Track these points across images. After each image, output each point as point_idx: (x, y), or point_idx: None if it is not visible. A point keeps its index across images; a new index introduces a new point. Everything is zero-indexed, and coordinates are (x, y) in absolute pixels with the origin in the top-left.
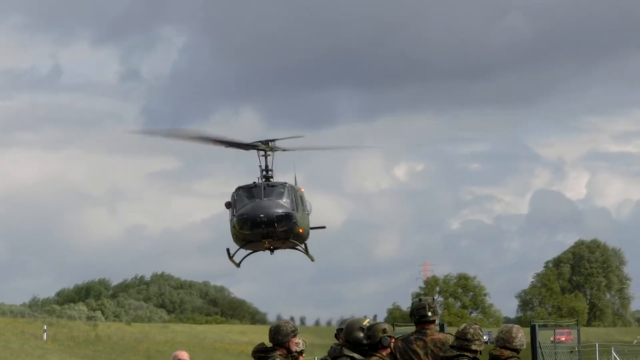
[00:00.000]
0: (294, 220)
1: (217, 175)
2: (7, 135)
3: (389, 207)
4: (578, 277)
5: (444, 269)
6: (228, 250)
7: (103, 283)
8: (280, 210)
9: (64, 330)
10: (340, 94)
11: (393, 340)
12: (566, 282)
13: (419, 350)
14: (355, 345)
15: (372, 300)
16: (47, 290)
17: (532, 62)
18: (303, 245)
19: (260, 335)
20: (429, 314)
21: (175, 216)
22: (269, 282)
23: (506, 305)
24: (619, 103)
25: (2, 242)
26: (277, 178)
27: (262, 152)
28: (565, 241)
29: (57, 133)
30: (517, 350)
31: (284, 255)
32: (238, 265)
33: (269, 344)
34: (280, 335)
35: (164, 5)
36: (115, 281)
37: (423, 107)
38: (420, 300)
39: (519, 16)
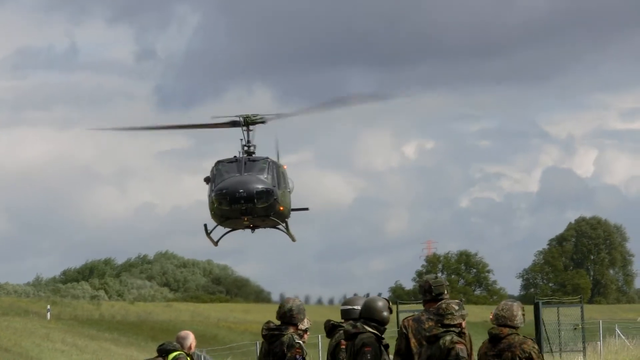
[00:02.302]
0: (275, 197)
1: (227, 155)
2: (17, 114)
3: (398, 185)
4: (579, 254)
5: (452, 247)
6: (205, 226)
7: (109, 262)
8: (260, 186)
9: (68, 309)
10: (353, 72)
11: None
12: (569, 260)
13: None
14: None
15: (378, 278)
16: (54, 269)
17: (546, 39)
18: (284, 224)
19: (264, 314)
20: (445, 292)
21: (185, 195)
22: (274, 261)
23: (512, 283)
24: (629, 80)
25: (11, 221)
26: (260, 153)
27: (244, 127)
28: (574, 219)
29: (67, 111)
30: (516, 328)
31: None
32: (216, 243)
33: (276, 322)
34: (294, 314)
35: None
36: (121, 260)
37: (436, 85)
38: (436, 277)
39: None
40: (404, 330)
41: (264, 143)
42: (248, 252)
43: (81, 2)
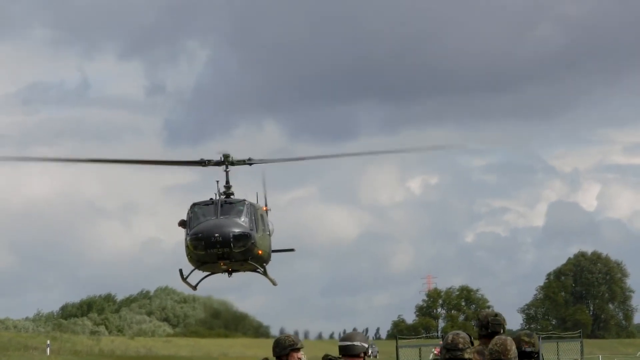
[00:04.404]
0: (252, 241)
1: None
2: (23, 149)
3: (403, 220)
4: (580, 287)
5: (457, 281)
6: (181, 271)
7: (108, 298)
8: (237, 230)
9: (67, 344)
10: (362, 106)
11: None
12: (568, 294)
13: None
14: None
15: (380, 313)
16: (57, 304)
17: (557, 73)
18: (263, 268)
19: (264, 349)
20: (502, 330)
21: None
22: (277, 296)
23: (515, 317)
24: (636, 114)
25: (15, 256)
26: (243, 195)
27: (223, 167)
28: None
29: (73, 147)
30: None
31: (294, 268)
32: (194, 287)
33: (272, 358)
34: (279, 349)
35: (189, 18)
36: (123, 295)
37: (444, 119)
38: (496, 315)
39: (545, 29)
40: None
41: (255, 181)
42: (251, 287)
43: (93, 37)
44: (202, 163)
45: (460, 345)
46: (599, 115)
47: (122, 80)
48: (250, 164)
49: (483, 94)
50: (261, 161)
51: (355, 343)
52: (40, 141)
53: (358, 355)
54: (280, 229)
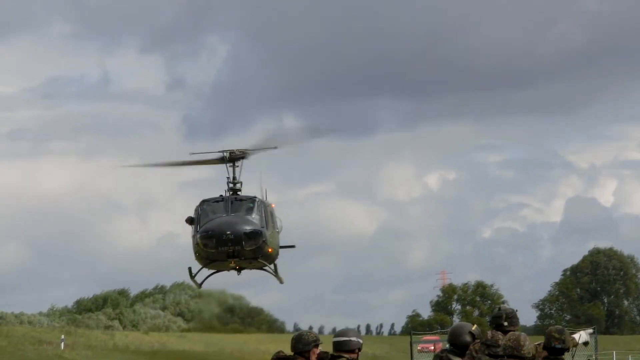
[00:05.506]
0: (264, 239)
1: (249, 184)
2: (42, 143)
3: (420, 216)
4: (596, 284)
5: (474, 277)
6: (190, 269)
7: (123, 293)
8: (248, 228)
9: (82, 339)
10: (381, 103)
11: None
12: (584, 291)
13: None
14: (462, 349)
15: (396, 309)
16: (73, 299)
17: (576, 70)
18: (272, 266)
19: (277, 344)
20: (505, 323)
21: None
22: (292, 291)
23: (529, 313)
24: None
25: (32, 251)
26: (245, 192)
27: (229, 163)
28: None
29: (92, 142)
30: (524, 358)
31: (309, 264)
32: (199, 285)
33: (287, 352)
34: (301, 344)
35: (210, 14)
36: (138, 290)
37: (463, 116)
38: (499, 309)
39: (564, 26)
40: (474, 354)
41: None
42: (266, 283)
43: (113, 32)
44: (223, 160)
45: (500, 342)
46: (616, 112)
47: (142, 75)
48: (244, 157)
49: (502, 90)
50: (254, 151)
51: (351, 339)
52: (59, 135)
53: (353, 351)
54: (296, 224)
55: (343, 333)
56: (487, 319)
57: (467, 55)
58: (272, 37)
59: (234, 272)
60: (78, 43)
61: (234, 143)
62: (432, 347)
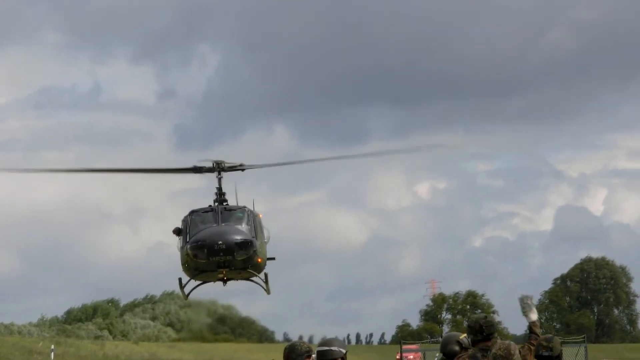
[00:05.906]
0: (254, 249)
1: (239, 194)
2: (32, 154)
3: (410, 224)
4: (586, 293)
5: (465, 286)
6: (180, 280)
7: (113, 303)
8: (240, 237)
9: (72, 349)
10: (372, 111)
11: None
12: (574, 299)
13: None
14: (450, 358)
15: (385, 318)
16: (62, 310)
17: (567, 78)
18: (263, 276)
19: (267, 354)
20: (495, 331)
21: None
22: (283, 301)
23: (520, 322)
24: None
25: (22, 261)
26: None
27: (216, 174)
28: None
29: (81, 152)
30: None
31: (300, 272)
32: (186, 297)
33: None
34: (294, 355)
35: (201, 23)
36: (128, 300)
37: (454, 124)
38: (486, 317)
39: (555, 34)
40: None
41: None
42: (256, 293)
43: (104, 42)
44: (197, 170)
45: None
46: (607, 121)
47: (133, 84)
48: (243, 170)
49: (493, 98)
50: (252, 166)
51: (333, 348)
52: (50, 145)
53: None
54: (287, 233)
55: (326, 343)
56: None
57: (457, 64)
58: (263, 46)
59: (219, 284)
60: (69, 53)
61: (225, 152)
62: (412, 357)
